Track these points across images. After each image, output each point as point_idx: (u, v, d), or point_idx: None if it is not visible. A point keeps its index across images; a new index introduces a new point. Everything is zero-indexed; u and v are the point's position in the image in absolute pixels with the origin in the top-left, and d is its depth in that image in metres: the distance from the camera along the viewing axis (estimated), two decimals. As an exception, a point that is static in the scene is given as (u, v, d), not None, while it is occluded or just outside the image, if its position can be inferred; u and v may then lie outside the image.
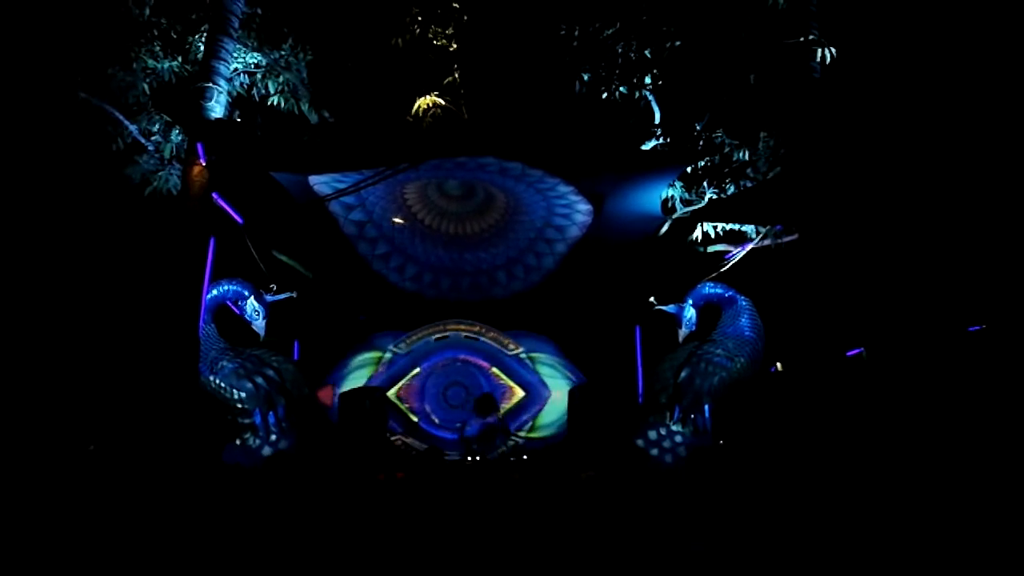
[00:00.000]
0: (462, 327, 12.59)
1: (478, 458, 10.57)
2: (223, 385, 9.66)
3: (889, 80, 10.20)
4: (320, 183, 10.14)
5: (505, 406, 12.16)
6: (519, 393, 12.23)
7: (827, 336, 8.83)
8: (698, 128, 10.70)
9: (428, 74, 12.60)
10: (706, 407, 10.43)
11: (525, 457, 11.14)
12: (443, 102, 12.15)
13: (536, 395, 12.30)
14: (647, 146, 11.04)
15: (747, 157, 10.34)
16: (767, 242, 10.59)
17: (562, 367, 12.53)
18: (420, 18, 12.63)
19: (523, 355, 12.54)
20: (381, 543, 5.76)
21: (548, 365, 12.55)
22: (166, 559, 5.44)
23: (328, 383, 11.96)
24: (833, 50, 9.32)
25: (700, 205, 10.70)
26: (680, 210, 10.82)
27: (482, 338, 12.56)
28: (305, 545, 5.68)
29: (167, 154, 9.61)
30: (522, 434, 12.09)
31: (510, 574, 5.27)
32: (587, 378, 12.29)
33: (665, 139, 11.03)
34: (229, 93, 9.22)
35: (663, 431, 10.40)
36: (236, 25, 9.21)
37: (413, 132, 11.70)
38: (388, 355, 12.35)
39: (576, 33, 11.39)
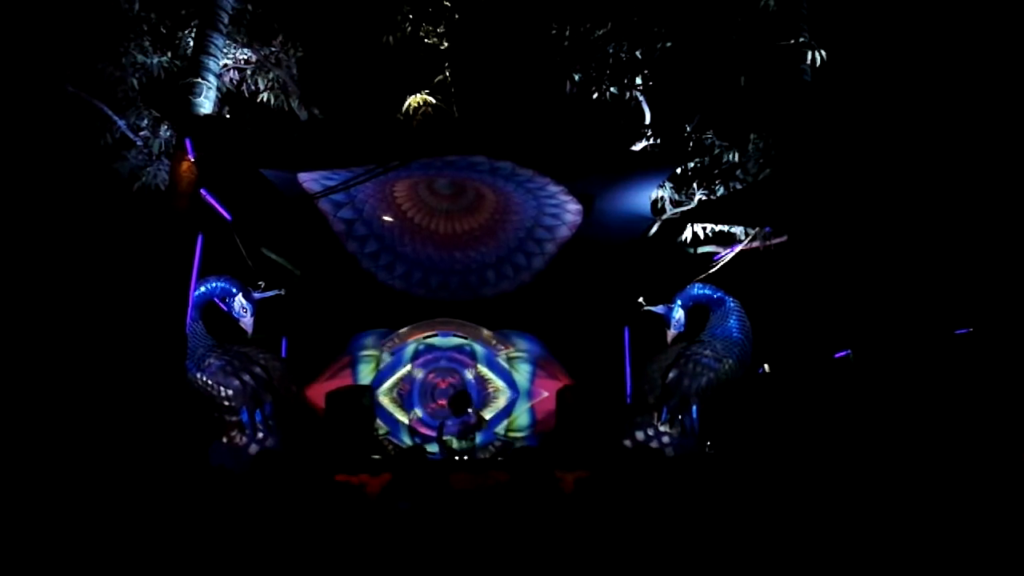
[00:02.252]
0: (451, 326, 12.55)
1: (466, 457, 10.54)
2: (210, 382, 9.62)
3: (879, 83, 10.25)
4: (309, 180, 10.11)
5: (494, 405, 12.13)
6: (507, 393, 12.20)
7: (815, 338, 8.86)
8: (688, 129, 10.72)
9: (419, 72, 12.59)
10: (694, 408, 10.46)
11: (512, 457, 11.11)
12: (434, 100, 12.16)
13: (524, 395, 12.28)
14: (637, 147, 11.04)
15: (737, 159, 10.37)
16: (756, 244, 10.63)
17: (544, 369, 12.48)
18: (411, 16, 12.61)
19: (510, 355, 12.51)
20: (368, 544, 5.74)
21: (531, 364, 12.51)
22: (153, 558, 5.41)
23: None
24: (823, 53, 9.35)
25: (690, 206, 10.72)
26: (670, 211, 10.83)
27: (470, 337, 12.52)
28: (290, 545, 5.66)
29: (155, 150, 9.55)
30: (501, 434, 12.07)
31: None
32: (575, 379, 12.27)
33: (655, 140, 11.05)
34: (218, 89, 9.18)
35: (651, 432, 10.42)
36: (226, 21, 9.17)
37: (403, 130, 11.68)
38: (386, 355, 12.31)
39: (567, 33, 11.39)
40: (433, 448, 10.84)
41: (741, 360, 10.52)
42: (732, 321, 10.65)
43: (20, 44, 9.08)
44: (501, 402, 12.17)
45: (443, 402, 11.83)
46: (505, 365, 12.39)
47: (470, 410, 10.97)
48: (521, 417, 12.21)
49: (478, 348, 12.45)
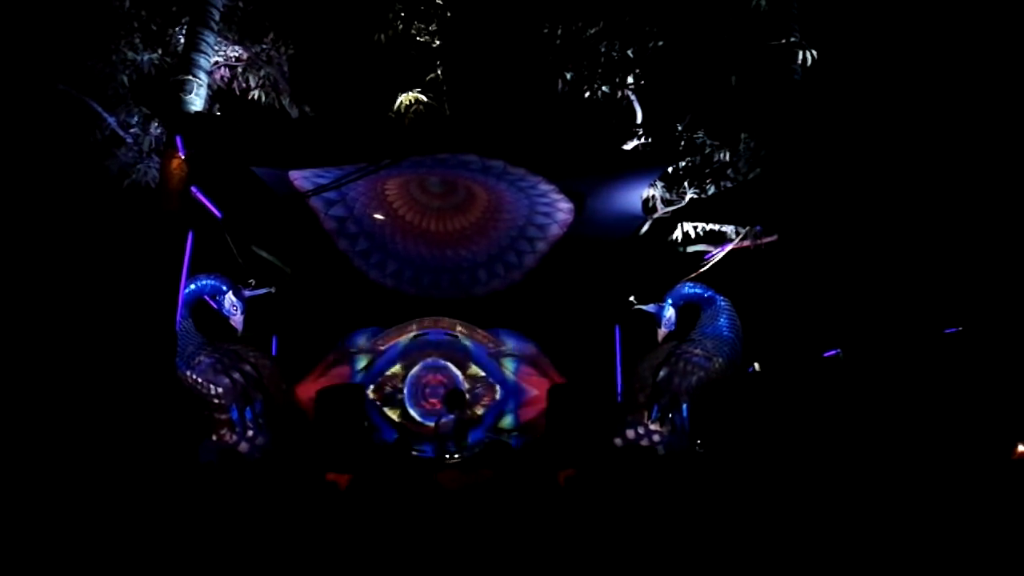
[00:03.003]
0: (442, 324, 12.55)
1: (457, 456, 10.55)
2: (200, 380, 9.60)
3: (869, 82, 10.28)
4: (301, 178, 10.08)
5: (484, 403, 12.15)
6: (497, 391, 12.22)
7: (805, 337, 8.90)
8: (679, 128, 10.74)
9: (410, 70, 12.58)
10: (684, 407, 10.48)
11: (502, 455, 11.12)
12: (425, 99, 12.14)
13: (513, 394, 12.30)
14: (629, 145, 11.06)
15: (728, 158, 10.40)
16: (747, 243, 10.66)
17: (534, 367, 12.49)
18: (403, 14, 12.60)
19: (500, 353, 12.52)
20: (355, 542, 5.74)
21: (521, 363, 12.52)
22: (143, 556, 5.40)
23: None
24: (814, 52, 9.39)
25: (681, 205, 10.75)
26: (661, 210, 10.86)
27: (462, 336, 12.53)
28: (279, 543, 5.65)
29: (146, 147, 9.53)
30: (491, 432, 12.09)
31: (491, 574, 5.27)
32: (565, 377, 12.29)
33: (646, 139, 11.07)
34: (209, 86, 9.15)
35: (641, 430, 10.44)
36: (217, 18, 9.15)
37: (395, 128, 11.67)
38: (377, 353, 12.31)
39: (559, 32, 11.41)
40: (423, 446, 10.85)
41: (731, 359, 10.55)
42: (722, 320, 10.68)
43: (10, 40, 9.05)
44: (491, 400, 12.18)
45: (435, 400, 11.85)
46: (495, 363, 12.40)
47: (467, 409, 10.99)
48: (510, 415, 12.23)
49: (469, 346, 12.47)
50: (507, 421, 12.23)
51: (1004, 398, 8.52)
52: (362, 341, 12.42)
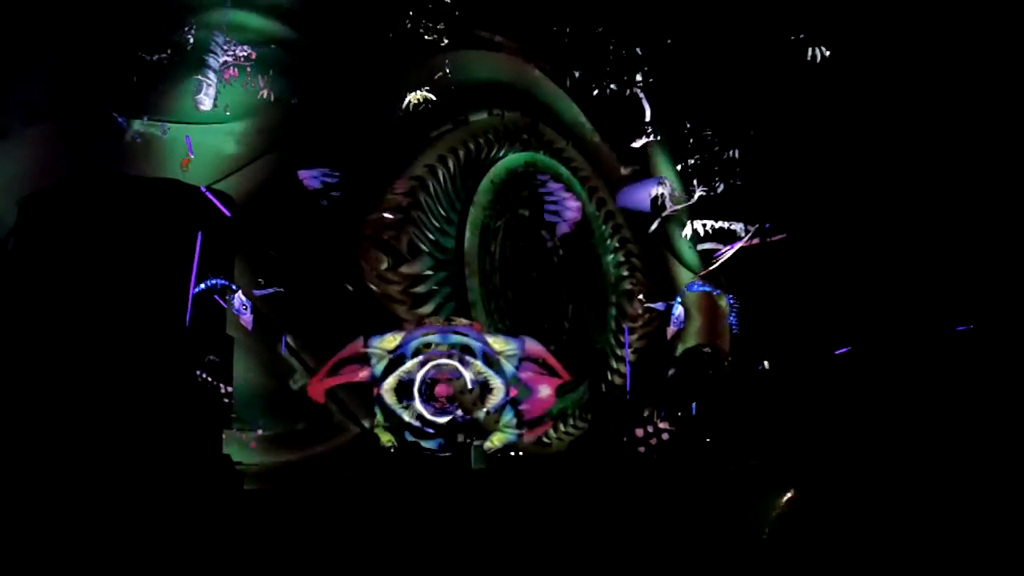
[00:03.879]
0: (452, 323, 12.52)
1: (467, 452, 10.56)
2: (211, 379, 9.59)
3: (881, 79, 10.24)
4: (309, 177, 10.08)
5: (491, 401, 12.12)
6: (503, 390, 12.19)
7: (816, 335, 8.86)
8: (688, 126, 10.72)
9: (419, 69, 12.55)
10: (693, 404, 10.46)
11: (513, 453, 11.12)
12: (433, 97, 12.10)
13: (521, 392, 12.27)
14: (638, 143, 11.04)
15: (737, 155, 10.36)
16: (756, 240, 10.62)
17: (541, 366, 12.46)
18: (411, 13, 12.57)
19: (507, 353, 12.47)
20: (374, 535, 5.74)
21: (528, 361, 12.49)
22: (160, 552, 5.41)
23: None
24: (824, 49, 9.35)
25: (690, 203, 10.72)
26: (670, 207, 10.82)
27: (470, 334, 12.48)
28: (292, 538, 5.66)
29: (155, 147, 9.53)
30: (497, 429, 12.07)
31: (508, 568, 5.27)
32: (573, 376, 12.26)
33: (655, 136, 11.04)
34: (218, 86, 9.16)
35: (650, 428, 10.42)
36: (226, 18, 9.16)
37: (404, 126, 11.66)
38: (388, 353, 12.29)
39: (568, 30, 11.39)
40: (432, 444, 10.86)
41: (740, 357, 10.53)
42: (731, 318, 10.65)
43: (23, 42, 9.07)
44: (497, 399, 12.15)
45: (443, 400, 11.83)
46: (502, 362, 12.36)
47: (480, 405, 11.00)
48: (514, 413, 12.21)
49: (476, 346, 12.42)
50: (511, 418, 12.19)
51: (1015, 395, 8.47)
52: (373, 341, 12.38)
